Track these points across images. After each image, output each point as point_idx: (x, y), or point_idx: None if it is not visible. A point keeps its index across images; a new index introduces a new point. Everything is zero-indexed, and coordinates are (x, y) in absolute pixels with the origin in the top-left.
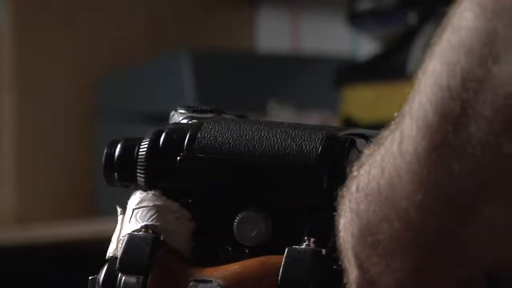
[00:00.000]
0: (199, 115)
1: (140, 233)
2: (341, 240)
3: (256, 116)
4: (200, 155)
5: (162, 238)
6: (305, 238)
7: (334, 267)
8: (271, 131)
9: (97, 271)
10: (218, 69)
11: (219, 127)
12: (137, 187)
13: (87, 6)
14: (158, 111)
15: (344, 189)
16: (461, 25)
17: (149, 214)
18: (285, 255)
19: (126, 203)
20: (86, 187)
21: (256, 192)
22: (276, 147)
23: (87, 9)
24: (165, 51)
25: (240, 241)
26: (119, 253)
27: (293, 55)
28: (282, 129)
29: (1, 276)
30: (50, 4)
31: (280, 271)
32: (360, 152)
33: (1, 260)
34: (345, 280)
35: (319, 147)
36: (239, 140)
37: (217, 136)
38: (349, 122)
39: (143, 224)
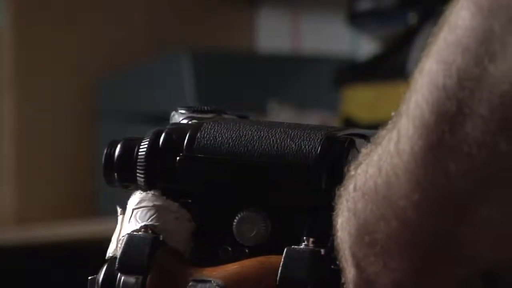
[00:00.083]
0: (199, 115)
1: (140, 233)
2: (338, 240)
3: (257, 116)
4: (199, 155)
5: (161, 238)
6: (304, 238)
7: (332, 266)
8: (270, 131)
9: (97, 271)
10: (218, 69)
11: (219, 127)
12: (137, 187)
13: (87, 6)
14: (158, 111)
15: (342, 189)
16: (457, 24)
17: (148, 214)
18: (284, 255)
19: (126, 203)
20: (86, 187)
21: (255, 192)
22: (275, 147)
23: (87, 9)
24: (165, 51)
25: (239, 241)
26: (118, 253)
27: (293, 55)
28: (282, 129)
29: (1, 276)
30: (50, 4)
31: (279, 271)
32: (359, 152)
33: (1, 260)
34: (343, 280)
35: (318, 147)
36: (239, 140)
37: (217, 136)
38: (349, 122)
39: (142, 224)
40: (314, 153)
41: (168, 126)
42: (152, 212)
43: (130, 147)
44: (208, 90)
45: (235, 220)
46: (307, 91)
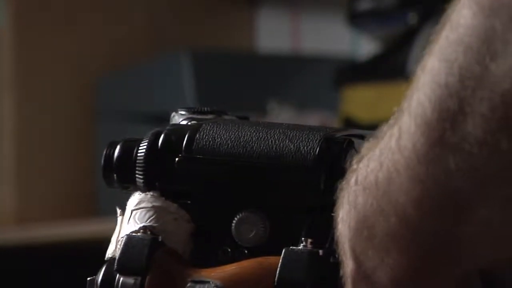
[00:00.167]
0: (199, 117)
1: (138, 234)
2: (338, 232)
3: (257, 116)
4: (198, 156)
5: (160, 239)
6: (303, 239)
7: (331, 260)
8: (269, 132)
9: (97, 271)
10: (218, 69)
11: (218, 129)
12: (136, 188)
13: (87, 6)
14: (158, 111)
15: (344, 182)
16: (459, 22)
17: (147, 215)
18: (282, 255)
19: (126, 204)
20: (86, 187)
21: (254, 193)
22: (274, 148)
23: (87, 9)
24: (165, 51)
25: (238, 242)
26: (117, 254)
27: (293, 55)
28: (280, 130)
29: (1, 276)
30: (50, 4)
31: (277, 272)
32: (358, 153)
33: (1, 260)
34: (341, 273)
35: (316, 148)
36: (237, 141)
37: (216, 137)
38: (349, 122)
39: (141, 225)
40: (312, 154)
41: (167, 127)
42: (151, 213)
43: (129, 148)
44: (208, 90)
45: (234, 221)
46: (307, 91)
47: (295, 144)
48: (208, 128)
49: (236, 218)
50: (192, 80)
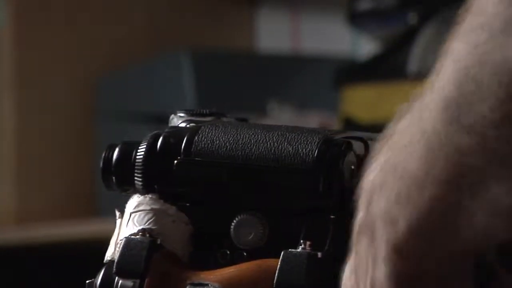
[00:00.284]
0: (198, 119)
1: (137, 236)
2: (361, 185)
3: (257, 116)
4: (197, 158)
5: (159, 242)
6: (301, 241)
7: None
8: (268, 134)
9: (97, 272)
10: (218, 69)
11: (216, 131)
12: (135, 191)
13: (87, 6)
14: (158, 111)
15: (384, 140)
16: (483, 9)
17: (146, 218)
18: (280, 258)
19: (125, 206)
20: (86, 187)
21: (253, 195)
22: (272, 151)
23: (87, 9)
24: (165, 51)
25: (237, 245)
26: (116, 257)
27: (293, 55)
28: (279, 133)
29: (1, 276)
30: (50, 4)
31: (276, 275)
32: (356, 155)
33: (1, 260)
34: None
35: (315, 151)
36: (236, 143)
37: (214, 140)
38: (349, 122)
39: (140, 227)
40: (311, 156)
41: (166, 130)
42: (149, 215)
43: (128, 150)
44: (208, 90)
45: (233, 224)
46: (307, 91)
47: (294, 147)
48: (207, 130)
49: (235, 221)
50: (192, 80)
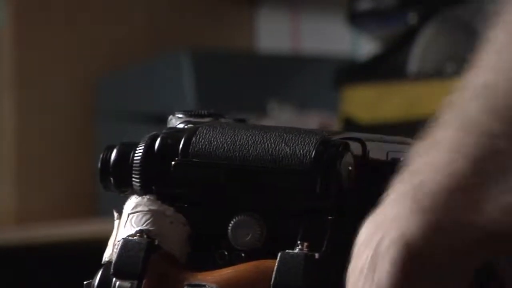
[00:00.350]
0: (196, 120)
1: (135, 238)
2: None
3: (257, 116)
4: (194, 159)
5: (156, 243)
6: (298, 242)
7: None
8: (265, 135)
9: (95, 273)
10: (218, 69)
11: (214, 132)
12: (133, 192)
13: (87, 6)
14: (158, 111)
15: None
16: None
17: (144, 219)
18: (278, 259)
19: (124, 205)
20: (86, 187)
21: (250, 196)
22: (270, 152)
23: (87, 9)
24: (165, 51)
25: (235, 246)
26: (113, 258)
27: (293, 55)
28: (277, 133)
29: (1, 276)
30: (50, 4)
31: (273, 276)
32: (354, 156)
33: (1, 260)
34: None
35: (312, 151)
36: (234, 144)
37: (212, 141)
38: (349, 122)
39: (138, 228)
40: (308, 157)
41: (163, 131)
42: (147, 216)
43: (126, 152)
44: (208, 90)
45: (230, 225)
46: (307, 91)
47: (291, 148)
48: (204, 131)
49: (232, 222)
50: (192, 80)
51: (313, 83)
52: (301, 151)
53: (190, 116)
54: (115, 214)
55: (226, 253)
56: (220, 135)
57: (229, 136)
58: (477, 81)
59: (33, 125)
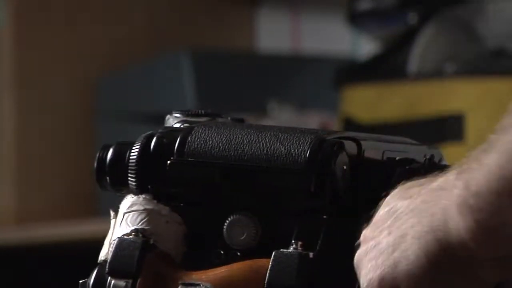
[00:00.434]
0: (192, 119)
1: (130, 237)
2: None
3: (257, 117)
4: (190, 159)
5: (151, 242)
6: (293, 241)
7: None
8: (260, 135)
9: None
10: (218, 69)
11: (209, 131)
12: (129, 191)
13: (87, 6)
14: (158, 111)
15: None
16: None
17: (139, 218)
18: (272, 258)
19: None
20: (86, 187)
21: (245, 195)
22: (265, 151)
23: (87, 9)
24: (165, 51)
25: (230, 245)
26: (109, 257)
27: (293, 55)
28: (272, 133)
29: (1, 276)
30: (50, 4)
31: (267, 275)
32: (350, 156)
33: (1, 260)
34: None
35: (307, 151)
36: (229, 144)
37: (207, 140)
38: (349, 122)
39: (133, 228)
40: (303, 156)
41: (159, 130)
42: (143, 216)
43: (122, 151)
44: (208, 90)
45: (226, 224)
46: (307, 91)
47: (286, 147)
48: (200, 131)
49: (227, 221)
50: (192, 80)
51: (313, 83)
52: (296, 150)
53: (187, 115)
54: (111, 213)
55: (222, 252)
56: (215, 135)
57: (225, 136)
58: None
59: (33, 125)
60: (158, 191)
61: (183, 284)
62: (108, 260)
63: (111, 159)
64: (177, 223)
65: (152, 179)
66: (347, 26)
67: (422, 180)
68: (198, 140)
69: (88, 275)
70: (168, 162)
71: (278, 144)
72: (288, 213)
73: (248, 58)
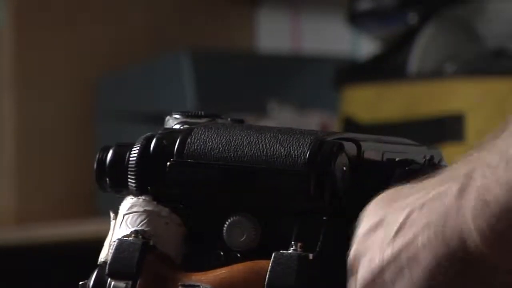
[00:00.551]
0: (192, 120)
1: (130, 238)
2: None
3: (257, 117)
4: (189, 160)
5: (151, 243)
6: (292, 242)
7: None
8: (260, 136)
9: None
10: (218, 69)
11: (209, 133)
12: (129, 193)
13: (87, 6)
14: (158, 111)
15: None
16: None
17: (139, 219)
18: (272, 259)
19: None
20: (86, 187)
21: (245, 197)
22: (264, 152)
23: (87, 9)
24: (165, 51)
25: (230, 246)
26: (108, 258)
27: (293, 55)
28: (272, 134)
29: (1, 276)
30: (50, 4)
31: (267, 276)
32: (349, 157)
33: (1, 260)
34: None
35: (307, 152)
36: (229, 145)
37: (207, 142)
38: (349, 122)
39: (133, 229)
40: (302, 158)
41: (159, 131)
42: (142, 217)
43: (122, 152)
44: (208, 90)
45: (225, 225)
46: (307, 91)
47: (286, 148)
48: (200, 132)
49: (227, 222)
50: (192, 80)
51: (313, 83)
52: (296, 151)
53: (187, 116)
54: (111, 215)
55: (221, 253)
56: (215, 136)
57: (224, 137)
58: None
59: (33, 125)
60: (158, 193)
61: (183, 285)
62: (108, 262)
63: (110, 161)
64: (177, 224)
65: (152, 180)
66: (347, 26)
67: (413, 189)
68: (198, 141)
69: (88, 276)
70: (168, 163)
71: (277, 145)
72: (288, 214)
73: (248, 58)
